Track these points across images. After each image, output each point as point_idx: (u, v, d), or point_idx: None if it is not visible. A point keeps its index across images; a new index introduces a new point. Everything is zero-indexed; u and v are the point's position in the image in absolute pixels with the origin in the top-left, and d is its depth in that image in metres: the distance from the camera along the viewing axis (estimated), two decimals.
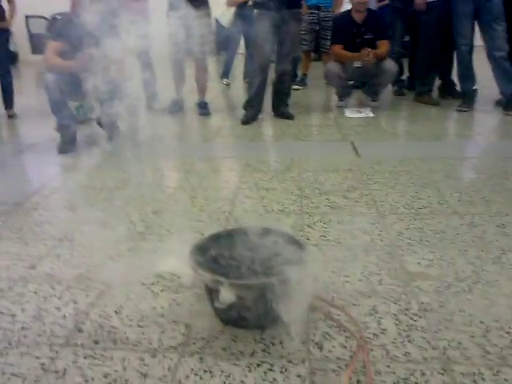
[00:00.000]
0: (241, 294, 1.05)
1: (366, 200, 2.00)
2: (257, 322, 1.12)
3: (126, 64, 2.95)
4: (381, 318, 1.20)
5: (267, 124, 3.64)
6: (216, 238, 1.29)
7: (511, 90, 3.45)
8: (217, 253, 1.24)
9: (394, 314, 1.21)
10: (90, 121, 3.14)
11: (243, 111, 3.68)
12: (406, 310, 1.23)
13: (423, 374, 1.00)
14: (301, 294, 1.14)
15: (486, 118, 3.60)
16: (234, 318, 1.11)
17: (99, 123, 3.07)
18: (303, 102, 4.62)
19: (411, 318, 1.20)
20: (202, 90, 4.02)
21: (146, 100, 4.25)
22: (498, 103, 3.72)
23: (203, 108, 4.00)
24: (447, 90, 4.23)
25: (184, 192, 2.14)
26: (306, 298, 1.16)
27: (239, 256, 1.23)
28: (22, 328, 1.19)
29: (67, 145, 2.84)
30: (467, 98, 3.67)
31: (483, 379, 0.99)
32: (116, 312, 1.24)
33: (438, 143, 2.96)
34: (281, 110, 3.74)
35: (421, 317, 1.20)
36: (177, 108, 4.03)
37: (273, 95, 3.77)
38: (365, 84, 4.17)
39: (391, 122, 3.72)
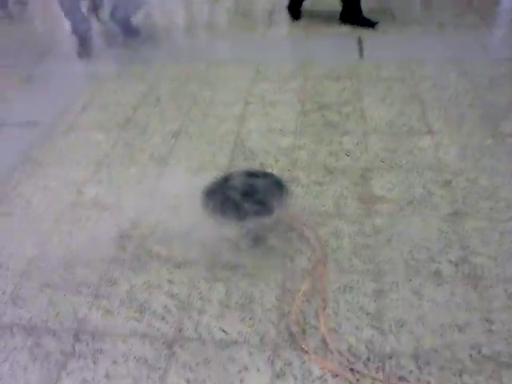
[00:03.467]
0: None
1: (357, 116, 2.27)
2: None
3: None
4: (340, 237, 1.63)
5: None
6: (220, 181, 1.68)
7: None
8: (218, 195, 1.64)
9: (351, 234, 1.64)
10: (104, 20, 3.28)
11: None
12: (361, 230, 1.65)
13: (359, 282, 1.46)
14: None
15: None
16: None
17: (114, 20, 3.22)
18: None
19: (363, 238, 1.62)
20: None
21: None
22: None
23: None
24: None
25: (198, 109, 2.45)
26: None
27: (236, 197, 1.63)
28: (79, 247, 1.66)
29: (85, 48, 3.07)
30: None
31: (397, 285, 1.44)
32: (150, 233, 1.70)
33: (439, 37, 3.03)
34: None
35: (370, 236, 1.62)
36: None
37: None
38: None
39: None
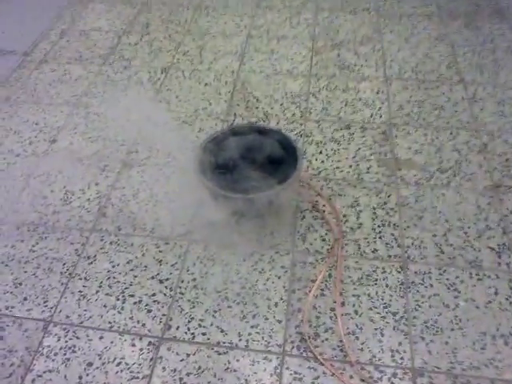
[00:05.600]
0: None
1: (376, 58, 1.83)
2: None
3: None
4: (360, 212, 1.28)
5: None
6: (216, 141, 1.28)
7: None
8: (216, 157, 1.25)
9: (373, 208, 1.29)
10: None
11: None
12: (385, 203, 1.30)
13: (384, 272, 1.14)
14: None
15: None
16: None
17: None
18: None
19: (387, 213, 1.27)
20: None
21: None
22: None
23: None
24: None
25: (192, 40, 1.96)
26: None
27: (237, 159, 1.25)
28: (54, 212, 1.31)
29: None
30: None
31: (430, 278, 1.12)
32: (133, 196, 1.34)
33: None
34: None
35: (396, 211, 1.28)
36: None
37: None
38: None
39: None
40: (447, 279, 1.12)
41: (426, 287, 1.10)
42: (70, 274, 1.16)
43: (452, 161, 1.41)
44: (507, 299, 1.07)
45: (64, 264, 1.18)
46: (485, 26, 1.99)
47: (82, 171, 1.42)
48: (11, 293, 1.13)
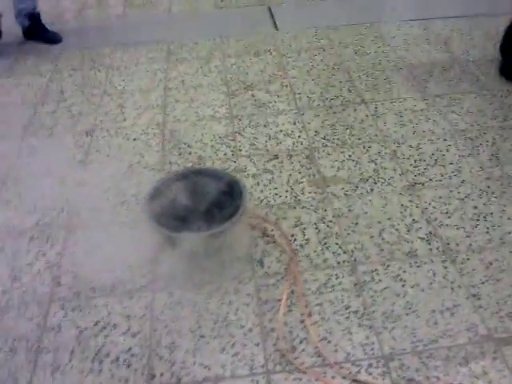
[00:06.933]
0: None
1: (286, 93, 2.03)
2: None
3: None
4: (305, 229, 1.41)
5: None
6: (160, 186, 1.35)
7: None
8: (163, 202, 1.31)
9: (315, 223, 1.43)
10: None
11: None
12: (324, 217, 1.44)
13: (337, 278, 1.26)
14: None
15: None
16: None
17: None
18: None
19: (328, 226, 1.42)
20: None
21: None
22: None
23: None
24: None
25: (111, 100, 2.03)
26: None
27: (185, 202, 1.32)
28: (4, 292, 1.26)
29: None
30: None
31: (378, 274, 1.27)
32: (85, 258, 1.33)
33: (346, 2, 2.84)
34: None
35: (335, 223, 1.43)
36: None
37: None
38: None
39: None
40: (392, 272, 1.27)
41: (376, 283, 1.24)
42: (36, 349, 1.13)
43: (370, 170, 1.61)
44: (444, 277, 1.25)
45: (27, 340, 1.14)
46: (371, 50, 2.31)
47: (26, 245, 1.40)
48: None
